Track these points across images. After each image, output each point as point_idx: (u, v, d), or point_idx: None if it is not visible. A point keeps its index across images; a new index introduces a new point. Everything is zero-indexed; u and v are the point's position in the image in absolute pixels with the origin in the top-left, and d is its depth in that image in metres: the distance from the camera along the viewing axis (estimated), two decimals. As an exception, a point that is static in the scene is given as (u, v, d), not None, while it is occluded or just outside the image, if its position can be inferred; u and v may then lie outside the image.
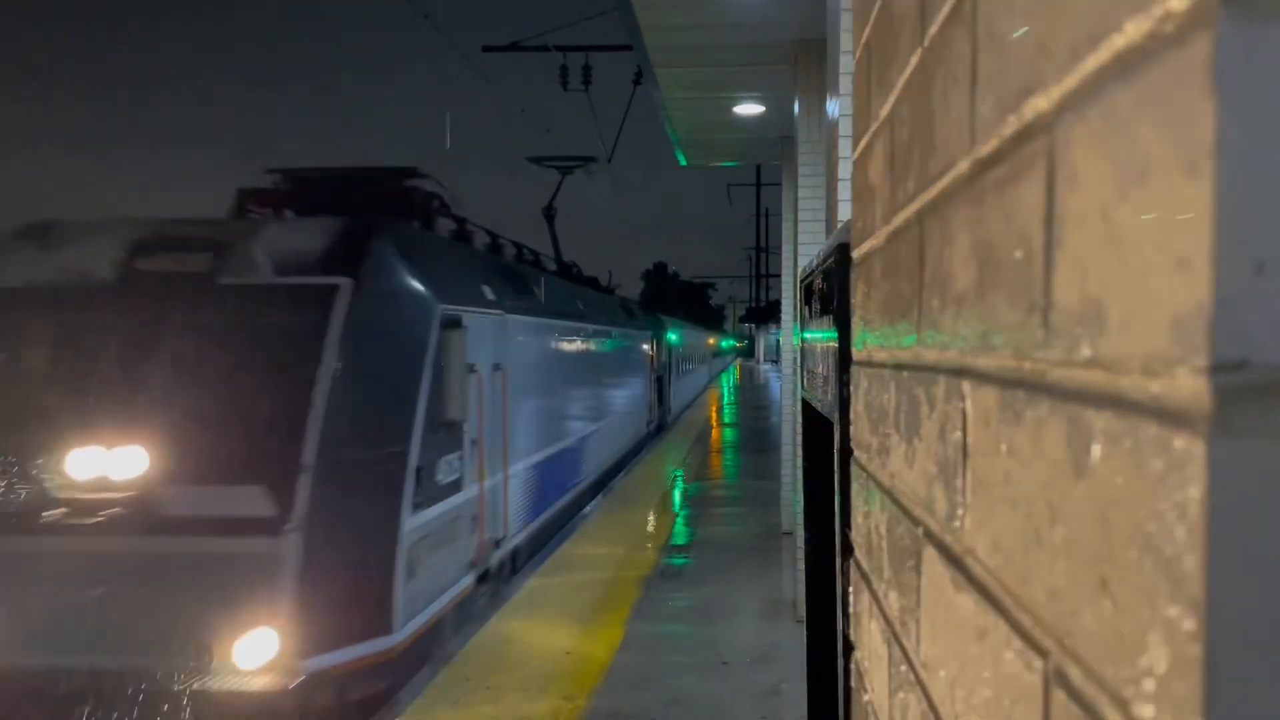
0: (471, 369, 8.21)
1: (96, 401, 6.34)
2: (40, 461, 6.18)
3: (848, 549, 1.32)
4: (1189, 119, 0.33)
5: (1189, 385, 0.33)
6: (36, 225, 7.30)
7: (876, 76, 1.05)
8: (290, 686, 5.79)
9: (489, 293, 9.26)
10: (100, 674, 5.73)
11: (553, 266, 16.18)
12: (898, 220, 0.91)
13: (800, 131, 7.58)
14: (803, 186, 7.44)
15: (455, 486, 7.80)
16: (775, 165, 12.79)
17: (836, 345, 1.40)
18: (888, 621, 0.96)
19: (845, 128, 4.09)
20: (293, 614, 5.84)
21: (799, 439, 2.64)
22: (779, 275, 12.02)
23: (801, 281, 2.18)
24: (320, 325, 6.52)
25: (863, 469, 1.16)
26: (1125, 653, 0.38)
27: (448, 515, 7.60)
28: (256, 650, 5.79)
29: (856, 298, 1.22)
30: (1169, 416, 0.35)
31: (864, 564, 1.15)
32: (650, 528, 11.47)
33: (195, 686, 5.72)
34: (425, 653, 6.98)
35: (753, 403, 35.76)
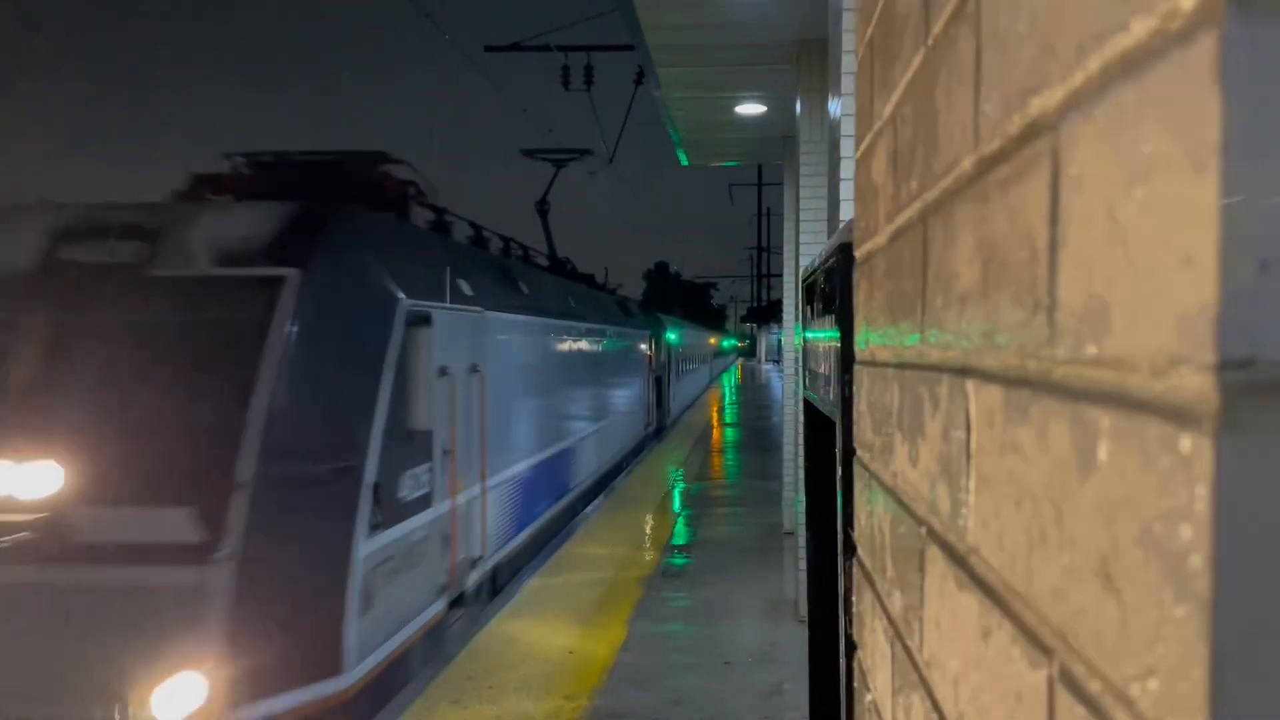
0: (443, 371, 7.53)
1: (3, 409, 5.58)
2: None
3: (850, 548, 1.32)
4: (1195, 117, 0.33)
5: (1195, 383, 0.33)
6: None
7: (879, 75, 1.05)
8: None
9: (466, 288, 8.55)
10: None
11: (544, 262, 15.83)
12: (901, 219, 0.91)
13: (802, 131, 7.58)
14: (804, 186, 7.44)
15: (423, 502, 7.03)
16: (777, 165, 12.80)
17: (839, 344, 1.40)
18: (891, 621, 0.96)
19: (847, 127, 4.09)
20: (224, 655, 5.06)
21: (801, 438, 2.64)
22: (781, 275, 12.03)
23: (803, 281, 2.18)
24: (262, 322, 5.76)
25: (865, 468, 1.16)
26: (1131, 651, 0.38)
27: (413, 535, 6.82)
28: (181, 698, 5.00)
29: (859, 297, 1.22)
30: (1175, 414, 0.35)
31: (867, 563, 1.15)
32: (651, 528, 11.47)
33: None
34: (386, 692, 6.30)
35: (754, 402, 35.76)
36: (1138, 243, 0.38)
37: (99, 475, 5.35)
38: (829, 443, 1.63)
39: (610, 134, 19.95)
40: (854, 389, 1.28)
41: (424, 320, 7.12)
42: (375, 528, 6.11)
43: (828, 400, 1.60)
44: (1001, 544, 0.56)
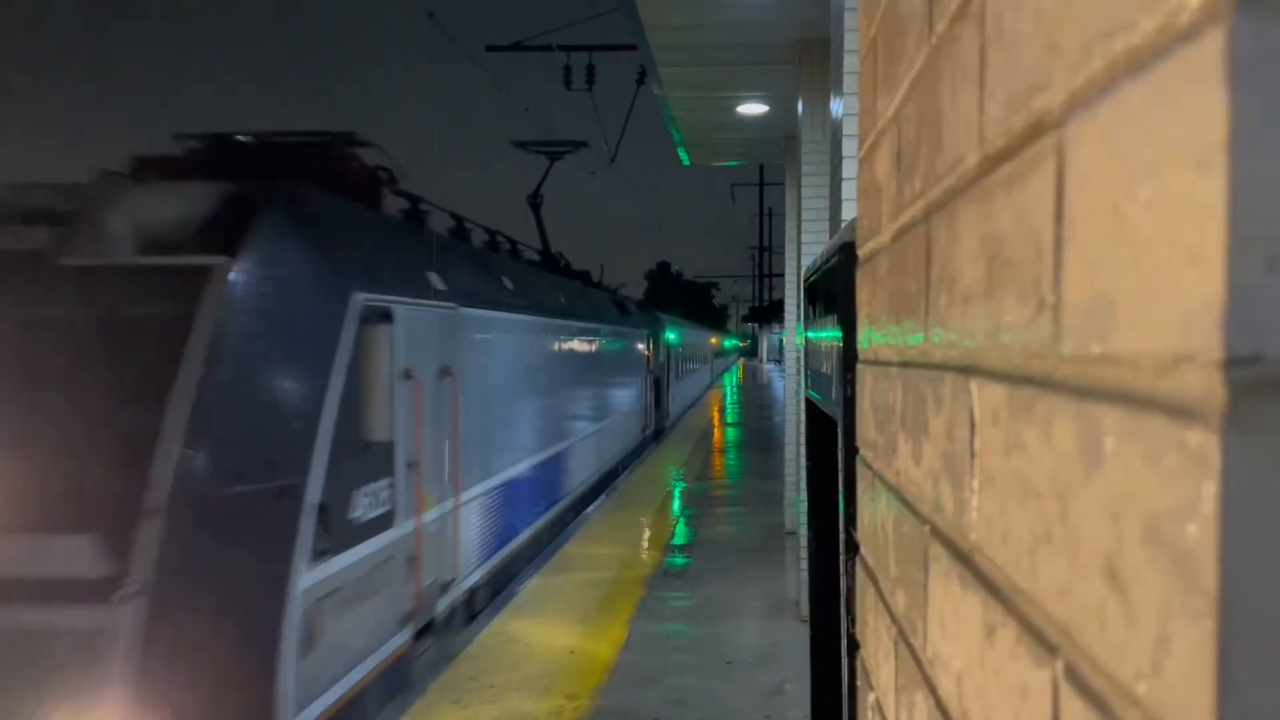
0: (408, 374, 6.80)
1: None
2: None
3: (852, 547, 1.32)
4: (1202, 114, 0.33)
5: (1202, 381, 0.33)
6: None
7: (883, 74, 1.05)
8: None
9: (438, 281, 7.79)
10: None
11: (536, 257, 15.31)
12: (904, 218, 0.91)
13: (804, 131, 7.59)
14: (806, 186, 7.45)
15: (382, 522, 6.30)
16: (779, 165, 12.80)
17: (841, 344, 1.40)
18: (894, 619, 0.96)
19: (849, 127, 4.09)
20: (130, 711, 4.32)
21: (802, 438, 2.64)
22: (782, 275, 12.03)
23: (805, 280, 2.19)
24: (185, 317, 5.01)
25: (868, 467, 1.16)
26: (1136, 649, 0.38)
27: (369, 560, 6.08)
28: None
29: (862, 296, 1.22)
30: (1181, 412, 0.35)
31: (869, 562, 1.15)
32: (653, 527, 11.47)
33: None
34: None
35: (756, 402, 35.77)
36: (1143, 240, 0.38)
37: None
38: (831, 442, 1.63)
39: (612, 134, 19.94)
40: (856, 388, 1.28)
41: (383, 316, 6.45)
42: (320, 554, 5.38)
43: (830, 399, 1.60)
44: (1006, 542, 0.56)
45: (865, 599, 1.20)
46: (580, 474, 13.91)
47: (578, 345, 14.04)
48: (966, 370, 0.66)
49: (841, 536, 1.43)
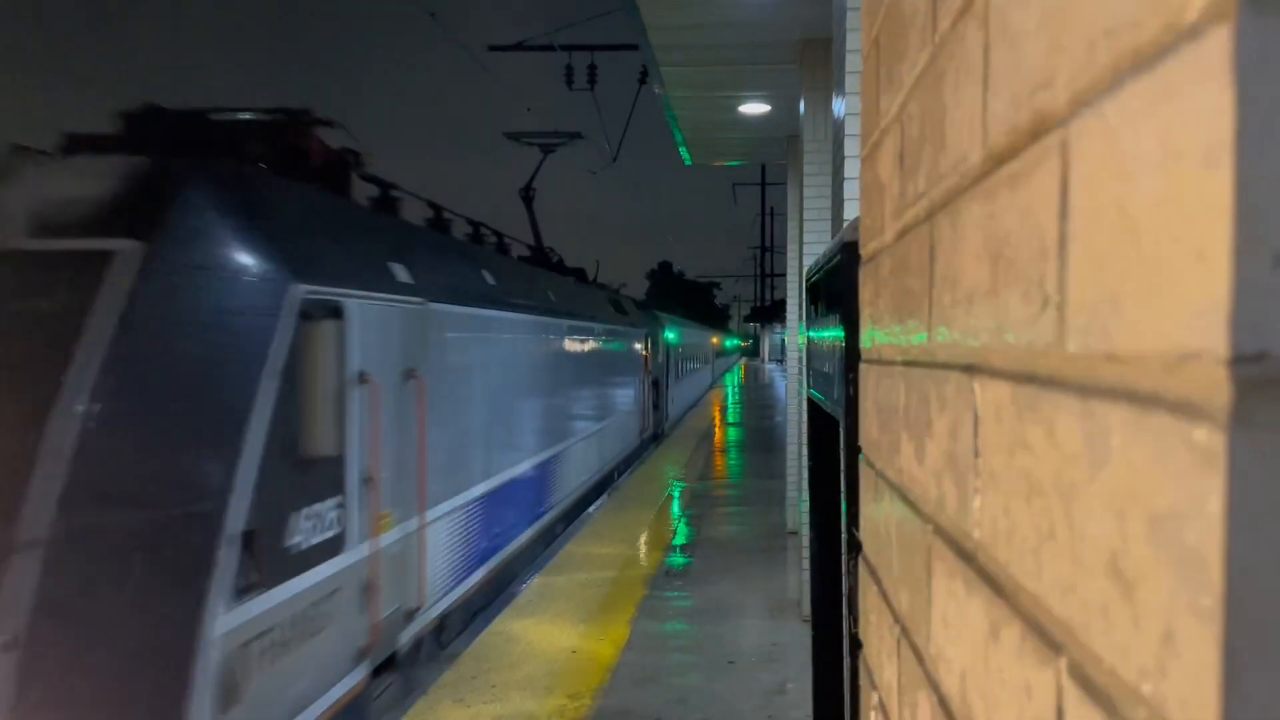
0: (363, 379, 6.01)
1: None
2: None
3: (855, 546, 1.32)
4: (1207, 112, 0.33)
5: (1207, 378, 0.33)
6: None
7: (886, 73, 1.05)
8: None
9: (403, 274, 6.93)
10: None
11: (527, 253, 14.99)
12: (907, 217, 0.91)
13: (806, 130, 7.59)
14: (808, 185, 7.45)
15: (329, 548, 5.51)
16: (780, 164, 12.81)
17: (844, 343, 1.40)
18: (897, 619, 0.96)
19: (852, 126, 4.09)
20: None
21: (804, 437, 2.64)
22: (784, 274, 12.03)
23: (808, 280, 2.18)
24: (80, 312, 4.31)
25: (871, 466, 1.16)
26: (1141, 648, 0.38)
27: (313, 593, 5.31)
28: None
29: (864, 295, 1.22)
30: (1187, 410, 0.34)
31: (872, 561, 1.15)
32: (654, 527, 11.47)
33: None
34: None
35: (757, 402, 35.77)
36: (1149, 238, 0.38)
37: None
38: (833, 441, 1.63)
39: (614, 134, 19.93)
40: (859, 387, 1.28)
41: (331, 312, 5.63)
42: (244, 591, 4.60)
43: (832, 399, 1.60)
44: (1010, 540, 0.56)
45: (868, 598, 1.20)
46: (570, 482, 13.16)
47: (569, 345, 13.30)
48: (970, 369, 0.66)
49: (844, 536, 1.43)
